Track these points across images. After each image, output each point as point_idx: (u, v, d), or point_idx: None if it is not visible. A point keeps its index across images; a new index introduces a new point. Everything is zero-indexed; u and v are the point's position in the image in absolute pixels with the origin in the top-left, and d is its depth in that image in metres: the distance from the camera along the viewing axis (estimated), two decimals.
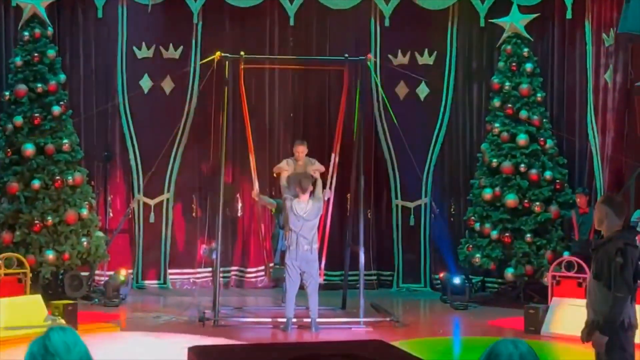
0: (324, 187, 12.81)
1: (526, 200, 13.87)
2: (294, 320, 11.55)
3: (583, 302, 6.98)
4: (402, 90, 15.53)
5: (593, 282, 6.54)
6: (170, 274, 15.22)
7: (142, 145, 15.11)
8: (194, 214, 15.33)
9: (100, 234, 13.95)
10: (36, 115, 13.44)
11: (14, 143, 13.43)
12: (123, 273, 13.72)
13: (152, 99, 15.18)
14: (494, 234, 13.92)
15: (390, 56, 15.43)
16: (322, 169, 12.51)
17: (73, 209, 13.39)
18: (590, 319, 6.53)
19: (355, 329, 11.71)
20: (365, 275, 12.68)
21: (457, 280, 13.80)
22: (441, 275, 14.34)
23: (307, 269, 11.39)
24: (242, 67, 13.04)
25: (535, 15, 14.42)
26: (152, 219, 15.19)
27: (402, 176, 15.49)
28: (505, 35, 14.38)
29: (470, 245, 14.16)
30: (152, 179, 14.95)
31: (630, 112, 13.66)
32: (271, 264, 12.85)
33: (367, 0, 15.24)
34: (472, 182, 14.58)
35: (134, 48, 15.11)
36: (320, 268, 11.85)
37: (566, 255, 12.64)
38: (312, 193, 11.63)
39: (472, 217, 14.27)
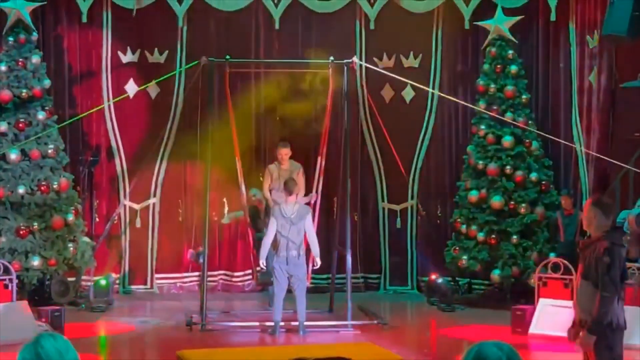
0: (310, 191, 12.85)
1: (512, 202, 13.91)
2: (282, 323, 11.55)
3: (569, 303, 7.03)
4: (387, 93, 15.56)
5: (581, 281, 6.57)
6: (157, 278, 15.18)
7: (127, 150, 15.08)
8: (180, 218, 15.31)
9: (87, 239, 13.89)
10: (21, 120, 13.40)
11: None
12: (103, 282, 13.51)
13: (138, 103, 15.14)
14: (480, 236, 13.95)
15: (375, 59, 15.45)
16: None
17: (59, 215, 13.34)
18: (577, 318, 6.56)
19: (343, 331, 11.73)
20: (352, 278, 12.70)
21: (441, 281, 13.84)
22: (432, 277, 14.35)
23: (295, 272, 11.41)
24: (228, 70, 13.03)
25: (519, 18, 14.46)
26: (138, 224, 15.15)
27: (389, 179, 15.51)
28: (489, 37, 14.42)
29: (457, 248, 14.19)
30: (138, 183, 14.94)
31: (615, 113, 13.74)
32: (258, 268, 12.82)
33: (352, 3, 15.26)
34: (458, 184, 14.61)
35: (119, 52, 15.08)
36: (307, 271, 11.88)
37: (552, 257, 12.69)
38: (297, 196, 11.72)
39: (458, 219, 14.30)
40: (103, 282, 13.49)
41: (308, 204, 12.30)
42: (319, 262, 11.77)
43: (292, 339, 11.37)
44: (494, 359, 3.29)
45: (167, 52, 15.14)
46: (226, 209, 14.94)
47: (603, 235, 6.45)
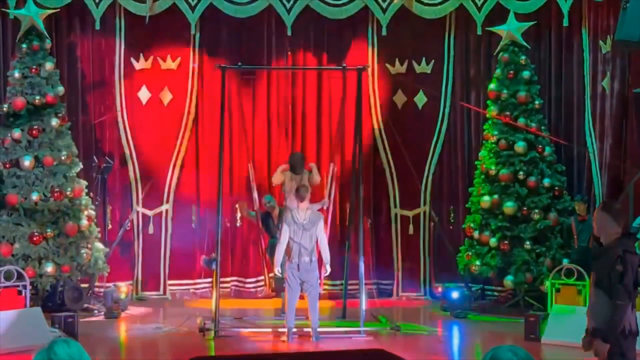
0: (322, 197, 12.85)
1: (525, 208, 13.88)
2: (295, 330, 11.55)
3: (583, 309, 6.99)
4: (400, 99, 15.56)
5: (594, 289, 6.55)
6: (170, 284, 15.21)
7: (140, 157, 15.11)
8: (193, 225, 15.33)
9: (100, 245, 13.93)
10: (35, 127, 13.45)
11: (12, 155, 13.43)
12: (124, 289, 13.69)
13: (151, 110, 15.19)
14: (493, 242, 13.91)
15: (387, 65, 15.46)
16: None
17: (72, 221, 13.38)
18: (591, 326, 6.54)
19: (355, 338, 11.71)
20: (364, 284, 12.68)
21: (455, 294, 13.78)
22: (439, 290, 14.34)
23: (307, 278, 11.40)
24: (240, 77, 13.06)
25: (532, 23, 14.45)
26: (151, 230, 15.19)
27: (401, 185, 15.50)
28: (502, 43, 14.41)
29: (470, 253, 14.16)
30: (151, 190, 14.97)
31: (629, 118, 13.69)
32: (271, 274, 12.83)
33: (364, 10, 15.27)
34: (470, 190, 14.58)
35: (132, 59, 15.12)
36: (320, 277, 11.87)
37: (565, 263, 12.65)
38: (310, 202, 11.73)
39: (471, 225, 14.27)
40: (123, 287, 13.59)
41: (320, 210, 12.30)
42: (329, 269, 11.75)
43: (305, 345, 11.36)
44: None
45: (179, 58, 15.18)
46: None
47: (615, 243, 6.43)
